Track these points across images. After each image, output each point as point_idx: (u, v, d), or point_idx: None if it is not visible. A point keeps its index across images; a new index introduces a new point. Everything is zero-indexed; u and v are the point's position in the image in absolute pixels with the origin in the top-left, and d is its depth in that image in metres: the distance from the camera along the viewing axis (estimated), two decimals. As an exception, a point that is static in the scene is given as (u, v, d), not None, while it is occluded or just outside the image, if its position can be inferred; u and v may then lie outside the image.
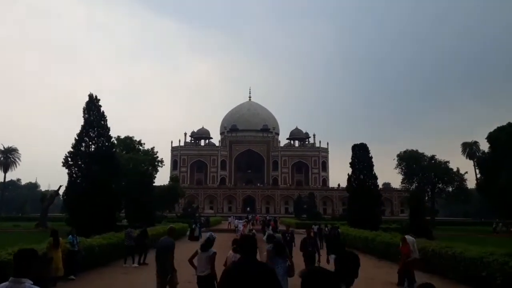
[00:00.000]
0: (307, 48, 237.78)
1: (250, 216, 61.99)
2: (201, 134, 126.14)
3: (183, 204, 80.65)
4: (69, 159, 26.01)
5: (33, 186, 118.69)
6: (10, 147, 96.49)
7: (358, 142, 39.77)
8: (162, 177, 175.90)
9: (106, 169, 25.63)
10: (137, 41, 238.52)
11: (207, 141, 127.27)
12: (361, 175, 37.87)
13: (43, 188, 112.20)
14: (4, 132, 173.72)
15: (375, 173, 38.20)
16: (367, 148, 39.18)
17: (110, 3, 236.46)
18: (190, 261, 8.59)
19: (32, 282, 3.48)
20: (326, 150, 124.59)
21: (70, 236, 14.04)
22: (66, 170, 25.96)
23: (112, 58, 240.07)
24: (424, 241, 16.56)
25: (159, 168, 59.21)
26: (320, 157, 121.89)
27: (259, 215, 74.55)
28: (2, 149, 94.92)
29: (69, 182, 25.94)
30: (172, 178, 69.86)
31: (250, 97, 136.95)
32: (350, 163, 39.14)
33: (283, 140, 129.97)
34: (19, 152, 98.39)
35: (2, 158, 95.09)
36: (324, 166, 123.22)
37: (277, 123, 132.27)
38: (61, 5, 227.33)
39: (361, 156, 38.41)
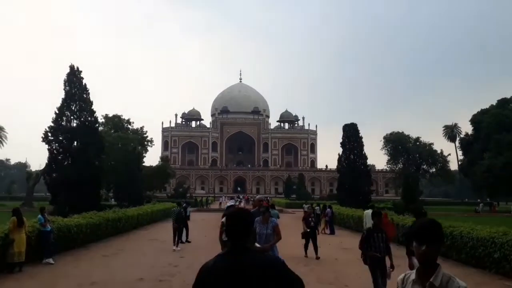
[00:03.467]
0: (297, 31, 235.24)
1: (241, 196, 61.53)
2: (192, 116, 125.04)
3: (174, 184, 80.00)
4: (49, 134, 24.58)
5: (23, 166, 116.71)
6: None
7: (344, 124, 39.54)
8: (153, 158, 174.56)
9: (88, 144, 24.39)
10: (128, 20, 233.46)
11: (198, 122, 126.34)
12: (352, 155, 37.71)
13: (33, 168, 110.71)
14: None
15: (365, 153, 37.96)
16: (357, 128, 38.97)
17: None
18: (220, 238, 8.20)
19: None
20: (314, 133, 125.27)
21: (40, 215, 12.38)
22: (46, 146, 24.54)
23: (101, 35, 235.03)
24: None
25: (149, 149, 58.29)
26: (309, 139, 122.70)
27: (249, 195, 74.63)
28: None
29: (49, 158, 24.60)
30: (162, 158, 68.86)
31: (241, 79, 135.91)
32: (340, 143, 38.81)
33: (273, 122, 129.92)
34: (6, 131, 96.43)
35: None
36: (313, 148, 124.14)
37: (267, 106, 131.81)
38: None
39: (351, 136, 38.24)
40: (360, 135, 38.25)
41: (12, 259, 10.38)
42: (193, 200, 53.51)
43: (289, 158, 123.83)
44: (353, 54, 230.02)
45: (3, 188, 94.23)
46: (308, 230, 13.99)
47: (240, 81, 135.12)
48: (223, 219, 8.38)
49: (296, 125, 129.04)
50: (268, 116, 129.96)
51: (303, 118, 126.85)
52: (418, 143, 76.57)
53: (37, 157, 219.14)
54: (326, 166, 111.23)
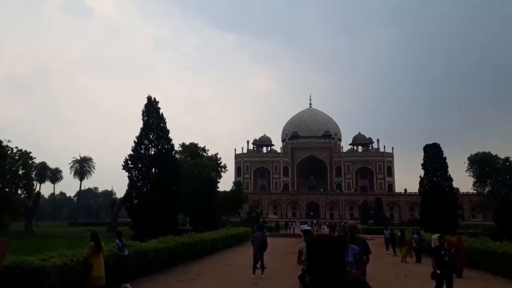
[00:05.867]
0: (367, 52, 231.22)
1: (314, 221, 60.45)
2: (263, 142, 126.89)
3: (247, 209, 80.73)
4: (129, 162, 25.94)
5: (109, 194, 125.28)
6: (85, 156, 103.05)
7: (424, 145, 37.69)
8: (227, 183, 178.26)
9: (166, 171, 25.32)
10: (200, 55, 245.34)
11: (269, 148, 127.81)
12: (435, 177, 35.58)
13: (118, 195, 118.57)
14: (80, 144, 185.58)
15: (449, 175, 35.58)
16: (440, 148, 36.82)
17: (174, 21, 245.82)
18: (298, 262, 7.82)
19: None
20: (390, 155, 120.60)
21: (118, 240, 12.47)
22: (127, 174, 25.87)
23: (176, 71, 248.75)
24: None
25: (222, 174, 59.66)
26: (385, 162, 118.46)
27: (323, 220, 73.11)
28: (78, 158, 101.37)
29: (130, 185, 25.83)
30: (235, 184, 69.92)
31: (310, 103, 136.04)
32: (422, 165, 36.88)
33: (345, 145, 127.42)
34: (94, 161, 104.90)
35: (78, 167, 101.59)
36: (390, 171, 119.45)
37: (339, 129, 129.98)
38: (130, 25, 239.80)
39: (433, 157, 36.21)
40: (444, 155, 36.13)
41: (92, 283, 10.42)
42: (266, 224, 53.45)
43: (364, 182, 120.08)
44: (430, 72, 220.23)
45: (92, 215, 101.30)
46: (438, 271, 9.81)
47: (310, 106, 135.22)
48: (301, 246, 7.97)
49: (370, 147, 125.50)
50: (340, 140, 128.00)
51: (378, 140, 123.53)
52: (507, 163, 70.70)
53: (121, 185, 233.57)
54: (405, 190, 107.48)
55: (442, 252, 9.98)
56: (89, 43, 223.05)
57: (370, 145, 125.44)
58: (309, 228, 11.84)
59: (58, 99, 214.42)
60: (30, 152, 51.76)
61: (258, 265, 14.61)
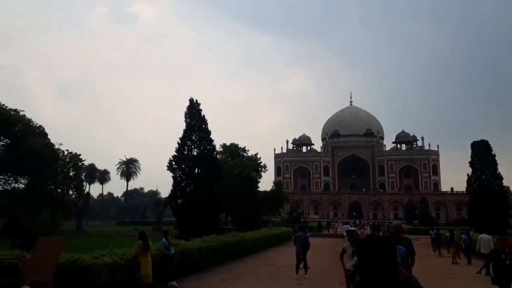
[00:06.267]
0: (409, 46, 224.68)
1: (357, 221, 59.56)
2: (303, 141, 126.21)
3: (288, 209, 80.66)
4: (173, 163, 26.69)
5: (154, 194, 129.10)
6: (131, 158, 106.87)
7: (471, 142, 36.30)
8: (267, 183, 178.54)
9: (208, 172, 25.84)
10: (238, 56, 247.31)
11: (308, 147, 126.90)
12: (483, 175, 34.22)
13: (163, 195, 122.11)
14: (126, 146, 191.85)
15: (499, 173, 34.10)
16: (489, 145, 35.33)
17: (212, 25, 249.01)
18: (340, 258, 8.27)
19: None
20: (436, 153, 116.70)
21: (164, 239, 12.83)
22: (171, 174, 26.64)
23: (215, 73, 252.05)
24: None
25: (263, 174, 59.89)
26: (430, 160, 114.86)
27: (366, 220, 72.01)
28: (124, 160, 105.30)
29: (174, 185, 26.63)
30: (276, 183, 69.97)
31: (351, 101, 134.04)
32: (469, 162, 35.53)
33: (388, 144, 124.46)
34: (139, 162, 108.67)
35: (124, 168, 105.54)
36: (435, 170, 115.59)
37: (381, 127, 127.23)
38: (171, 31, 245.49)
39: (482, 155, 34.82)
40: (493, 153, 34.67)
41: (140, 281, 10.66)
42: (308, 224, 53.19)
43: (409, 181, 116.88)
44: (480, 67, 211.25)
45: (138, 214, 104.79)
46: (494, 275, 9.19)
47: (351, 104, 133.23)
48: (345, 245, 7.97)
49: (414, 145, 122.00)
50: (382, 138, 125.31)
51: (422, 138, 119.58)
52: None
53: (166, 185, 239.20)
54: (452, 188, 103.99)
55: (503, 255, 9.29)
56: (132, 48, 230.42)
57: (414, 143, 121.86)
58: (353, 228, 11.68)
59: (105, 103, 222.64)
60: (80, 155, 54.21)
61: (301, 265, 14.59)
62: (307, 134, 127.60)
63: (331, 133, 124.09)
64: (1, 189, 43.31)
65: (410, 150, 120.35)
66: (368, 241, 2.19)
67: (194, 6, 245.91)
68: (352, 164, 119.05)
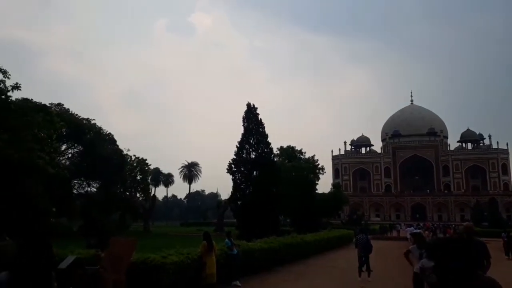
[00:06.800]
0: (471, 41, 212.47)
1: (421, 224, 57.61)
2: (362, 142, 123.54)
3: (348, 211, 79.55)
4: (233, 166, 27.47)
5: (214, 196, 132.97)
6: (192, 162, 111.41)
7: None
8: (325, 186, 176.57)
9: (266, 174, 26.33)
10: (294, 59, 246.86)
11: (367, 148, 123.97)
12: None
13: (223, 197, 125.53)
14: (188, 150, 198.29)
15: None
16: None
17: (268, 30, 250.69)
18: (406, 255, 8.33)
19: None
20: (505, 152, 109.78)
21: (227, 239, 13.23)
22: (231, 177, 27.42)
23: (271, 76, 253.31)
24: None
25: (321, 176, 59.44)
26: (499, 160, 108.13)
27: (430, 222, 69.36)
28: (186, 163, 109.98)
29: (234, 188, 27.39)
30: (334, 185, 69.18)
31: (412, 100, 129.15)
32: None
33: (453, 143, 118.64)
34: (200, 166, 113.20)
35: (186, 172, 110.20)
36: (505, 169, 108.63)
37: (444, 126, 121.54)
38: (228, 37, 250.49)
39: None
40: None
41: (205, 281, 10.83)
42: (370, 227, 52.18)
43: (476, 181, 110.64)
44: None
45: (200, 215, 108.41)
46: None
47: (412, 103, 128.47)
48: (411, 247, 7.98)
49: (481, 144, 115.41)
50: (446, 137, 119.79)
51: (489, 136, 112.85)
52: None
53: (225, 187, 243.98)
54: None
55: None
56: (191, 57, 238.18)
57: (481, 141, 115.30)
58: (418, 230, 11.45)
59: (167, 109, 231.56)
60: (146, 159, 57.07)
61: (364, 268, 14.52)
62: (366, 135, 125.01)
63: (392, 133, 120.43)
64: (76, 192, 46.64)
65: (477, 149, 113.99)
66: (446, 241, 2.27)
67: (248, 12, 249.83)
68: (415, 165, 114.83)
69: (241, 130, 28.26)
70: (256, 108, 28.36)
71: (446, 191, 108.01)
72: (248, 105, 28.45)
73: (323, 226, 40.60)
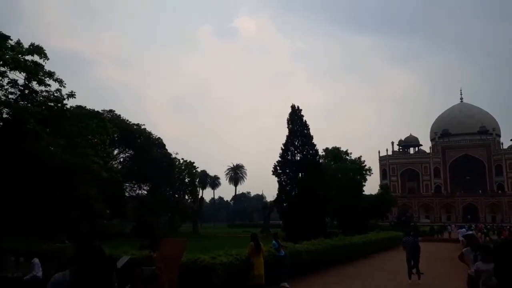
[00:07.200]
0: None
1: (473, 225, 55.42)
2: (410, 142, 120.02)
3: (396, 213, 77.61)
4: (278, 168, 27.59)
5: (260, 197, 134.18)
6: (238, 164, 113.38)
7: None
8: (373, 187, 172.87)
9: (311, 176, 26.29)
10: (337, 59, 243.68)
11: (416, 148, 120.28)
12: None
13: (268, 199, 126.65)
14: (233, 153, 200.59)
15: None
16: None
17: (310, 32, 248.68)
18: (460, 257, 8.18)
19: None
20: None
21: (274, 241, 13.15)
22: (276, 179, 27.56)
23: (315, 78, 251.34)
24: None
25: (368, 178, 58.37)
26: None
27: (483, 224, 66.50)
28: (232, 166, 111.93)
29: (279, 189, 27.51)
30: (382, 186, 67.66)
31: (461, 98, 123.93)
32: None
33: (506, 142, 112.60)
34: (245, 168, 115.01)
35: (232, 174, 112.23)
36: None
37: (496, 124, 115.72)
38: (271, 40, 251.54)
39: None
40: None
41: (253, 281, 11.01)
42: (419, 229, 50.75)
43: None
44: None
45: (246, 217, 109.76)
46: None
47: (461, 101, 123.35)
48: (465, 250, 7.84)
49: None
50: (498, 135, 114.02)
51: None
52: None
53: (271, 189, 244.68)
54: None
55: None
56: (235, 61, 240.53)
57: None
58: (470, 232, 11.09)
59: (213, 113, 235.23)
60: (193, 162, 58.51)
61: (414, 271, 14.28)
62: (414, 134, 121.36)
63: (441, 133, 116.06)
64: (128, 195, 48.56)
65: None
66: (497, 245, 2.18)
67: (290, 15, 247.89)
68: (465, 165, 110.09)
69: (286, 132, 28.33)
70: (301, 110, 28.43)
71: (499, 191, 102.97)
72: (293, 107, 28.53)
73: (371, 228, 39.86)
